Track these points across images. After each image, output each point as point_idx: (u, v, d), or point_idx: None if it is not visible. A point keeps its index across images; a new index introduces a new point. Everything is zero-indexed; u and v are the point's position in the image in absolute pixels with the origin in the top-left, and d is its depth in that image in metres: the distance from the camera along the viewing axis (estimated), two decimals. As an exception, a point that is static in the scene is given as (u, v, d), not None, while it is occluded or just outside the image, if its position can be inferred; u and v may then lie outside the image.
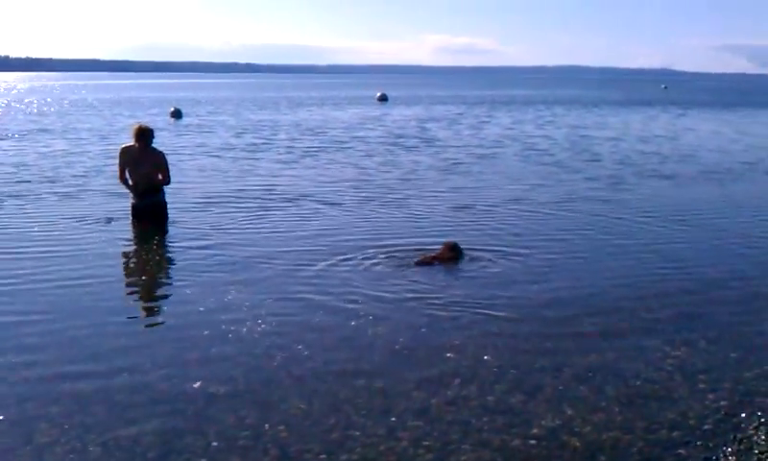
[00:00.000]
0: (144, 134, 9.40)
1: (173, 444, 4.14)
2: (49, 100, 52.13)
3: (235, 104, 47.59)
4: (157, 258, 8.39)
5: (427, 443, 4.18)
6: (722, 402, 4.69)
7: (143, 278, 7.73)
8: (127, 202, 9.92)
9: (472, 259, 7.98)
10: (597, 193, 12.78)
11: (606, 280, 7.42)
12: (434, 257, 7.87)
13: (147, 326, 6.27)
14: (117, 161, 9.60)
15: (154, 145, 9.61)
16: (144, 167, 9.51)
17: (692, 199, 12.48)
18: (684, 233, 9.68)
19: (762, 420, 4.46)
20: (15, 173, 14.58)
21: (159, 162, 9.59)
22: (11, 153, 18.41)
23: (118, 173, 9.64)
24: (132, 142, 9.45)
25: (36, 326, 6.02)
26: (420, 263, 7.77)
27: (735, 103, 54.37)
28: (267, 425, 4.35)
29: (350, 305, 6.51)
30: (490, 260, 7.98)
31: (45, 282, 7.19)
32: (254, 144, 20.91)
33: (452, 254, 7.90)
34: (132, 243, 9.03)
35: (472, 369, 5.20)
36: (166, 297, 7.05)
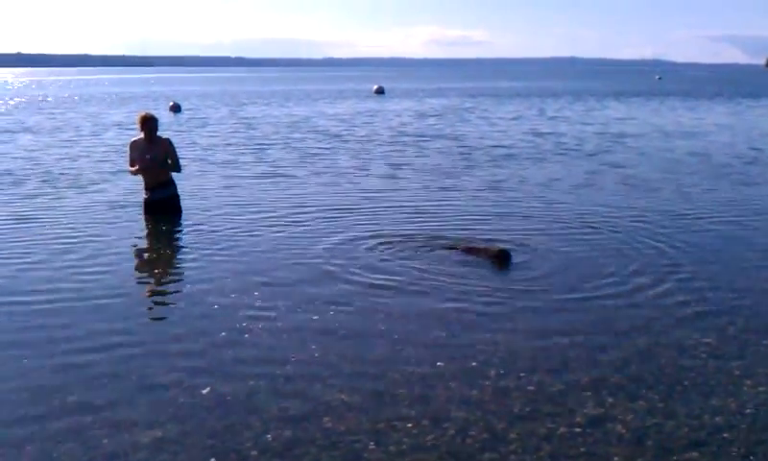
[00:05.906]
0: (148, 122, 9.38)
1: (223, 438, 4.14)
2: (49, 98, 51.86)
3: (231, 98, 47.43)
4: (169, 253, 8.43)
5: (473, 432, 4.20)
6: (760, 388, 4.72)
7: (156, 272, 7.72)
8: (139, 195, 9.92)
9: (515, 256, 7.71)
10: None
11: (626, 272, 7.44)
12: (479, 249, 7.77)
13: (166, 323, 6.20)
14: (127, 155, 9.61)
15: None
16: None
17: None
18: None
19: (803, 405, 4.50)
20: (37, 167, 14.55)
21: (167, 151, 9.55)
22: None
23: (128, 166, 9.62)
24: (139, 134, 9.43)
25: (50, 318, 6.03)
26: (466, 250, 7.77)
27: (739, 93, 53.05)
28: (311, 417, 4.37)
29: (378, 298, 6.54)
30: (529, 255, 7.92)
31: (63, 274, 7.19)
32: (260, 141, 20.83)
33: (498, 257, 7.53)
34: (144, 239, 9.03)
35: (506, 360, 5.21)
36: (182, 294, 6.89)
